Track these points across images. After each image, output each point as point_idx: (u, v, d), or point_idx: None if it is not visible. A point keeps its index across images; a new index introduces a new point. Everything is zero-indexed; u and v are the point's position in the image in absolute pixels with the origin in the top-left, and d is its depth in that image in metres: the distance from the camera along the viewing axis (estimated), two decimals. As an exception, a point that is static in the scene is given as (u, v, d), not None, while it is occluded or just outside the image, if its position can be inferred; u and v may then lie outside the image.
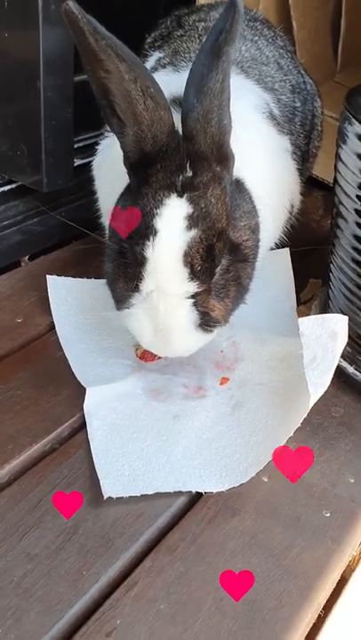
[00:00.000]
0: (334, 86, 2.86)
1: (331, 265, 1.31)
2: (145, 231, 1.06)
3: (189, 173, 1.08)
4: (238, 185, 1.19)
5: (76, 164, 1.76)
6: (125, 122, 1.07)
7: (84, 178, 1.56)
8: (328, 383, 1.07)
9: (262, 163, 1.28)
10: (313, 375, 1.05)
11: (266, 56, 1.49)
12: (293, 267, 1.51)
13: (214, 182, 1.08)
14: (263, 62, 1.47)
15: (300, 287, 1.57)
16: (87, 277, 1.47)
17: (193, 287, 1.06)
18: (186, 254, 1.05)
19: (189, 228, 1.05)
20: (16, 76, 1.50)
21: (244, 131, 1.19)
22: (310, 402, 1.05)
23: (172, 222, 1.06)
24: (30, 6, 1.40)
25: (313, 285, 1.62)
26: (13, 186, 1.70)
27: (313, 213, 2.00)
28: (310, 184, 1.91)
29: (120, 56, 1.00)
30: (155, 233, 1.05)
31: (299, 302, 1.51)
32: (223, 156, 1.11)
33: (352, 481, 1.11)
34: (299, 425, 1.07)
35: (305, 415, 1.06)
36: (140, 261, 1.07)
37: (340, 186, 1.21)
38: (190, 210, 1.06)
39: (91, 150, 1.80)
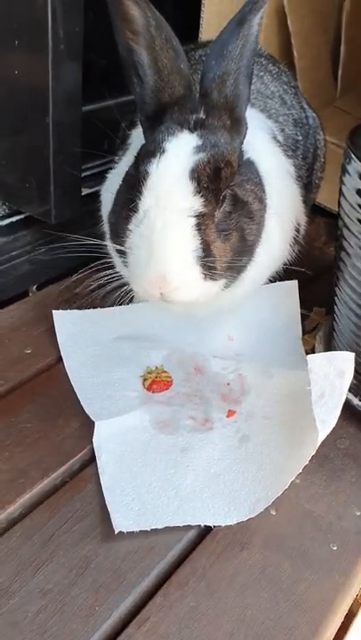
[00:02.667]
0: (335, 112, 2.91)
1: (335, 298, 1.34)
2: (153, 151, 1.11)
3: (202, 115, 1.14)
4: (249, 162, 1.24)
5: (83, 194, 1.79)
6: (146, 74, 1.15)
7: (92, 207, 1.59)
8: (335, 421, 1.09)
9: (270, 173, 1.31)
10: (321, 412, 1.07)
11: (271, 91, 1.53)
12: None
13: (224, 130, 1.15)
14: (268, 96, 1.51)
15: (304, 315, 1.59)
16: (94, 306, 1.49)
17: (198, 204, 1.07)
18: (193, 170, 1.08)
19: (198, 152, 1.10)
20: (26, 111, 1.54)
21: (250, 145, 1.25)
22: (318, 439, 1.07)
23: (182, 146, 1.10)
24: (40, 45, 1.43)
25: (317, 314, 1.64)
26: (22, 216, 1.73)
27: (316, 240, 2.03)
28: (313, 211, 1.94)
29: (149, 6, 1.10)
30: (163, 151, 1.10)
31: (304, 331, 1.54)
32: (235, 119, 1.17)
33: (358, 514, 1.13)
34: (307, 462, 1.08)
35: (313, 452, 1.08)
36: (144, 177, 1.09)
37: (342, 220, 1.23)
38: (200, 142, 1.11)
39: (98, 179, 1.84)
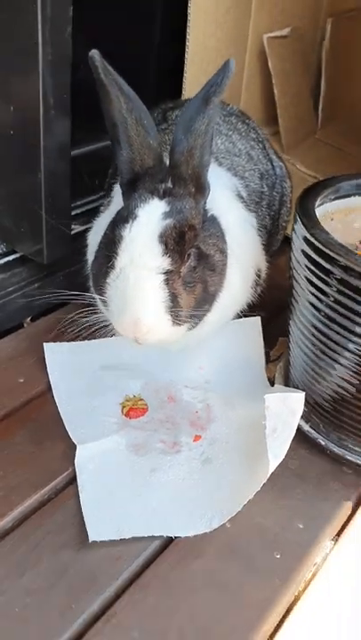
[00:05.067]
0: (315, 143, 3.08)
1: (289, 335, 1.52)
2: (127, 217, 1.31)
3: (170, 185, 1.34)
4: (213, 218, 1.43)
5: (74, 232, 1.98)
6: (122, 145, 1.35)
7: (82, 243, 1.75)
8: (285, 453, 1.28)
9: (231, 226, 1.49)
10: (273, 446, 1.26)
11: (238, 149, 1.72)
12: (264, 324, 1.71)
13: (190, 197, 1.34)
14: (235, 154, 1.70)
15: (270, 344, 1.76)
16: (82, 338, 1.64)
17: (165, 263, 1.27)
18: (161, 235, 1.27)
19: (165, 218, 1.29)
20: (20, 165, 1.71)
21: (214, 202, 1.44)
22: (269, 470, 1.26)
23: (152, 212, 1.30)
24: (32, 113, 1.61)
25: (282, 343, 1.82)
26: (17, 255, 1.92)
27: (286, 272, 2.19)
28: (283, 243, 2.10)
29: (122, 90, 1.31)
30: (135, 217, 1.30)
31: (268, 360, 1.71)
32: (200, 185, 1.37)
33: (301, 526, 1.31)
34: (259, 489, 1.27)
35: (265, 481, 1.26)
36: (119, 240, 1.29)
37: (292, 270, 1.42)
38: (168, 209, 1.30)
39: (89, 216, 2.02)
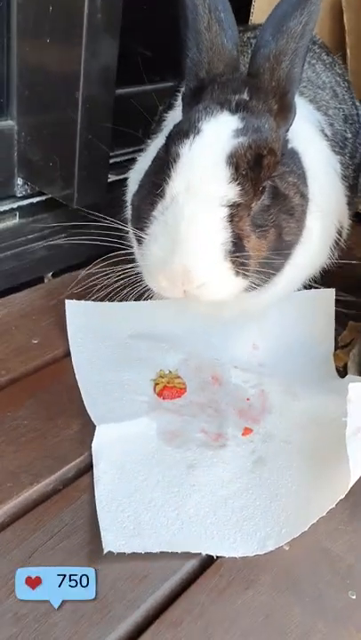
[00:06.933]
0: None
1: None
2: (187, 131, 0.99)
3: (246, 96, 1.02)
4: (293, 152, 1.12)
5: (110, 180, 1.68)
6: (189, 43, 1.05)
7: (116, 195, 1.46)
8: None
9: (314, 165, 1.19)
10: (354, 450, 0.94)
11: (323, 81, 1.41)
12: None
13: (270, 115, 1.02)
14: (319, 86, 1.39)
15: (338, 329, 1.45)
16: (110, 299, 1.37)
17: (233, 192, 0.96)
18: (231, 155, 0.96)
19: (237, 136, 0.97)
20: (55, 85, 1.44)
21: (295, 134, 1.13)
22: (350, 481, 0.94)
23: (220, 127, 0.98)
24: (75, 16, 1.32)
25: (352, 328, 1.51)
26: (43, 198, 1.63)
27: (354, 249, 1.88)
28: (355, 218, 1.81)
29: None
30: (198, 132, 0.98)
31: (336, 346, 1.41)
32: (285, 104, 1.05)
33: (382, 558, 0.99)
34: (333, 506, 0.96)
35: (342, 496, 0.95)
36: (174, 159, 0.98)
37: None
38: (241, 125, 0.98)
39: (123, 167, 1.72)
